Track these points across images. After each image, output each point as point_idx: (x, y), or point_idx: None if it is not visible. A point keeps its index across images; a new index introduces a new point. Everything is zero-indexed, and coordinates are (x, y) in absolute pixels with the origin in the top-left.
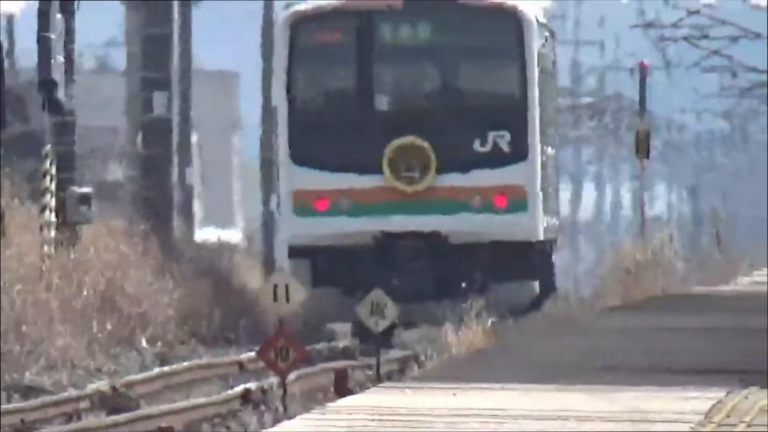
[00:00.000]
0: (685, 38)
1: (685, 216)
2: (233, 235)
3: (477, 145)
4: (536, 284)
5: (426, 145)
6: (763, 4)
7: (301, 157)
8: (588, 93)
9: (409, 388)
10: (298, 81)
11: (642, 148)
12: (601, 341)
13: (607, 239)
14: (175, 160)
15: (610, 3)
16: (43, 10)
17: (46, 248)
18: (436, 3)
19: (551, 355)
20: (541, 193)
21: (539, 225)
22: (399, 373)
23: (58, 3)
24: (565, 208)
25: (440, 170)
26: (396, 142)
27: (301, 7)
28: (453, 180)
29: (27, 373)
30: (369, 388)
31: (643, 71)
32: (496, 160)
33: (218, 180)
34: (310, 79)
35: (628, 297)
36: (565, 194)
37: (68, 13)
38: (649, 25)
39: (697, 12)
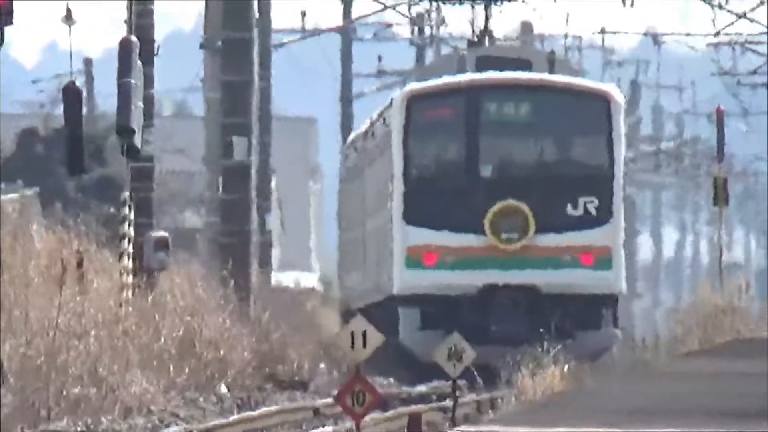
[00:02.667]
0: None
1: (762, 261)
2: (310, 279)
3: (569, 210)
4: (619, 332)
5: (524, 208)
6: None
7: (413, 217)
8: (667, 137)
9: (485, 431)
10: (412, 150)
11: (720, 196)
12: (678, 385)
13: (687, 284)
14: (254, 205)
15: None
16: (122, 56)
17: (123, 293)
18: (537, 83)
19: (628, 399)
20: (623, 251)
21: (622, 279)
22: (475, 416)
23: (137, 49)
24: (646, 254)
25: (536, 231)
26: (498, 206)
27: (415, 85)
28: (547, 240)
29: (103, 419)
30: (444, 431)
31: (720, 117)
32: (585, 222)
33: (296, 224)
34: (423, 148)
35: (706, 342)
36: (645, 239)
37: (147, 59)
38: (726, 73)
39: None
